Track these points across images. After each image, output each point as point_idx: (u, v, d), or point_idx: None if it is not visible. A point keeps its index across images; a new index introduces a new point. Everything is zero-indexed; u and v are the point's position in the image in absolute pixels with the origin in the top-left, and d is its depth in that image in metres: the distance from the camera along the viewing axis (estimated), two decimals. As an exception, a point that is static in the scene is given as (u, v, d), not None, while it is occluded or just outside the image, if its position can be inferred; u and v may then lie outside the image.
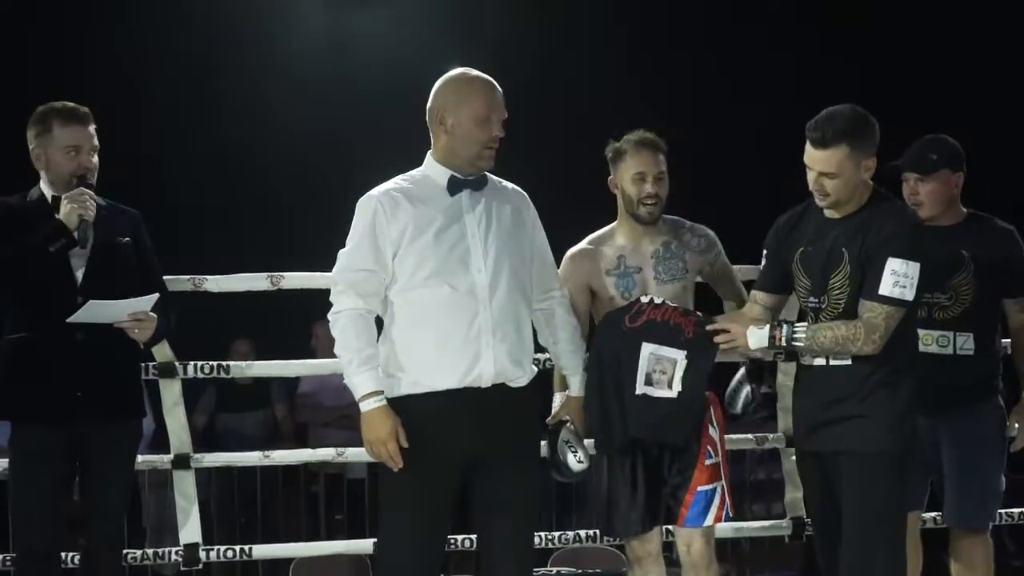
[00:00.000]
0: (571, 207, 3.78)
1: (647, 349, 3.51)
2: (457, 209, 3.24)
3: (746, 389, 3.62)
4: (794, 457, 4.36)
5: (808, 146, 3.31)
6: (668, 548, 4.16)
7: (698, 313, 3.57)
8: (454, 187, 3.25)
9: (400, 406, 3.19)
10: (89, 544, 3.64)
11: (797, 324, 3.35)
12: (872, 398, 3.31)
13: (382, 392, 3.17)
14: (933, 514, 4.17)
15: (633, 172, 3.60)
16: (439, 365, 3.18)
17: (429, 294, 3.18)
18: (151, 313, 3.54)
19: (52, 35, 7.35)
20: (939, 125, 4.00)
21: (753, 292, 3.60)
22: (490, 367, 3.19)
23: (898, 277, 3.23)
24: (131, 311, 3.50)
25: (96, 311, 3.45)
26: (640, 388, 3.52)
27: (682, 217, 3.77)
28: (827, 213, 3.36)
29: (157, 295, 3.57)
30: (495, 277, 3.21)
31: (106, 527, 3.61)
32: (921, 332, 3.58)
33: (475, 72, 3.28)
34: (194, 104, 7.55)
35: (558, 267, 3.56)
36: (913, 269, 3.23)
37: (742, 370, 3.65)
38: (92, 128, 3.59)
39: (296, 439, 6.39)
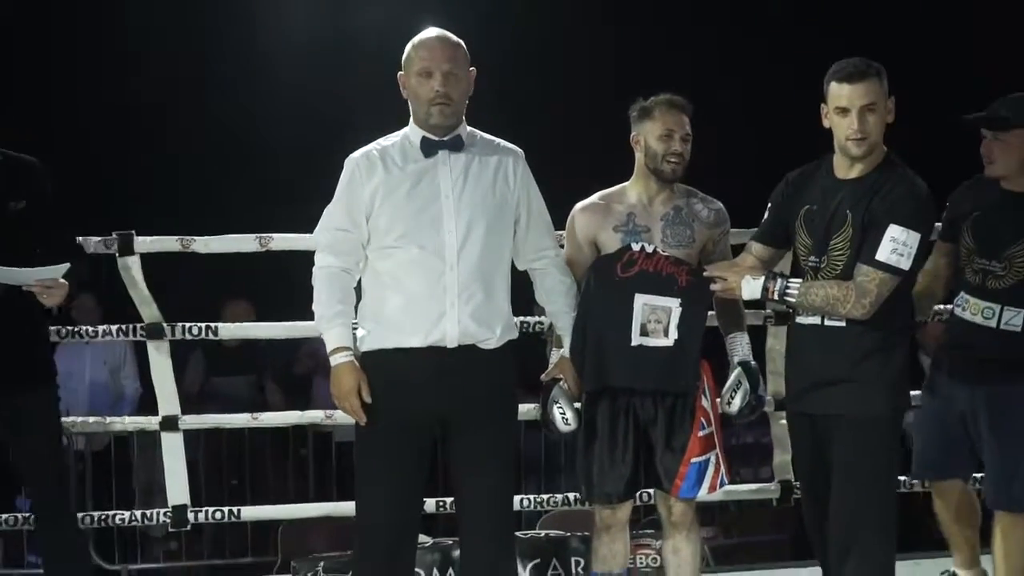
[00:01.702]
0: (566, 181, 3.74)
1: (640, 300, 3.49)
2: (432, 170, 3.25)
3: (743, 390, 3.59)
4: (783, 421, 4.37)
5: (841, 87, 3.28)
6: (650, 511, 4.19)
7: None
8: (428, 148, 3.26)
9: (369, 361, 3.24)
10: (32, 509, 3.61)
11: (791, 279, 3.36)
12: (865, 363, 3.30)
13: (349, 348, 3.22)
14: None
15: (662, 129, 3.56)
16: (404, 323, 3.21)
17: (399, 254, 3.21)
18: (62, 280, 3.43)
19: (45, 5, 7.31)
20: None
21: (750, 242, 3.58)
22: (454, 328, 3.20)
23: (897, 244, 3.20)
24: (39, 278, 3.39)
25: (1, 276, 3.36)
26: (636, 339, 3.49)
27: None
28: (838, 173, 3.35)
29: (67, 265, 3.43)
30: (467, 238, 3.21)
31: (42, 492, 3.55)
32: (970, 299, 3.57)
33: (425, 32, 3.27)
34: (193, 67, 7.52)
35: (557, 227, 3.54)
36: (913, 238, 3.21)
37: (739, 369, 3.61)
38: None
39: (300, 392, 6.39)
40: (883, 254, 3.21)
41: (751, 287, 3.38)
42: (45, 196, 3.53)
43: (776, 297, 3.35)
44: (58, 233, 3.56)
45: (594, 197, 3.69)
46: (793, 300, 3.34)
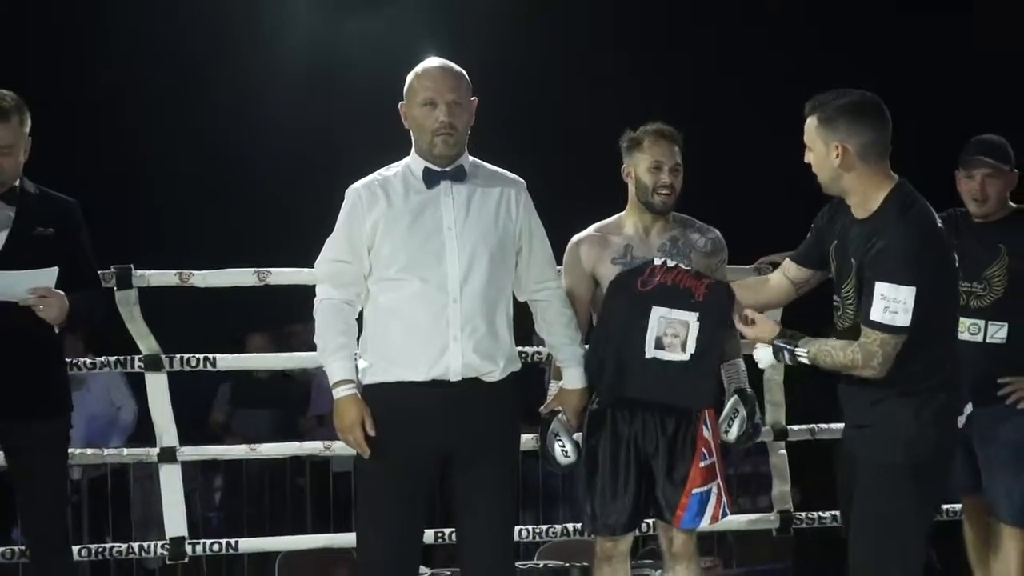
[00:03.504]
0: (567, 209, 3.75)
1: (657, 313, 3.46)
2: (435, 201, 3.24)
3: (740, 418, 3.58)
4: (782, 451, 4.38)
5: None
6: (648, 541, 4.18)
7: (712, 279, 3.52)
8: (430, 179, 3.25)
9: (371, 395, 3.22)
10: (26, 543, 3.57)
11: (798, 347, 3.19)
12: (879, 408, 3.13)
13: (352, 381, 3.21)
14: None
15: (650, 161, 3.58)
16: (407, 357, 3.19)
17: (401, 286, 3.20)
18: (56, 290, 3.40)
19: (44, 31, 7.32)
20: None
21: (786, 260, 3.48)
22: (457, 360, 3.19)
23: (887, 302, 3.01)
24: (31, 284, 3.36)
25: None
26: (650, 352, 3.46)
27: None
28: (855, 212, 3.17)
29: (56, 268, 3.41)
30: (469, 270, 3.20)
31: (40, 524, 3.50)
32: (962, 319, 3.65)
33: (428, 61, 3.27)
34: (185, 102, 7.53)
35: (558, 258, 3.53)
36: (904, 293, 3.00)
37: (735, 397, 3.61)
38: (10, 124, 3.40)
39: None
40: (876, 314, 3.03)
41: (764, 356, 3.26)
42: (76, 231, 3.55)
43: (789, 362, 3.23)
44: (86, 271, 3.56)
45: (591, 229, 3.69)
46: (806, 362, 3.19)
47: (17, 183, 3.49)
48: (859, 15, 7.86)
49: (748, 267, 4.11)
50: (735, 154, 7.68)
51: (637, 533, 3.82)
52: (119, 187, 7.50)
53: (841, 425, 4.38)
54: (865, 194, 3.12)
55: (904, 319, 3.01)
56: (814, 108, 3.13)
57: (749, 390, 3.64)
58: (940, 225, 3.18)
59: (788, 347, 3.21)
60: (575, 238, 3.67)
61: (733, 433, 3.59)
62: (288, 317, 6.10)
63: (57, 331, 3.50)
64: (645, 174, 3.59)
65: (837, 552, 5.86)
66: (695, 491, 3.54)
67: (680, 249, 3.62)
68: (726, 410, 3.61)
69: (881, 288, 3.01)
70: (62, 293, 3.42)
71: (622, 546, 3.63)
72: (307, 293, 3.34)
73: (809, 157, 3.16)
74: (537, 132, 7.49)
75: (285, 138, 7.68)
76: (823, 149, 3.11)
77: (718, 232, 3.71)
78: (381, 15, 7.74)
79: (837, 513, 4.40)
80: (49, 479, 3.51)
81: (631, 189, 3.64)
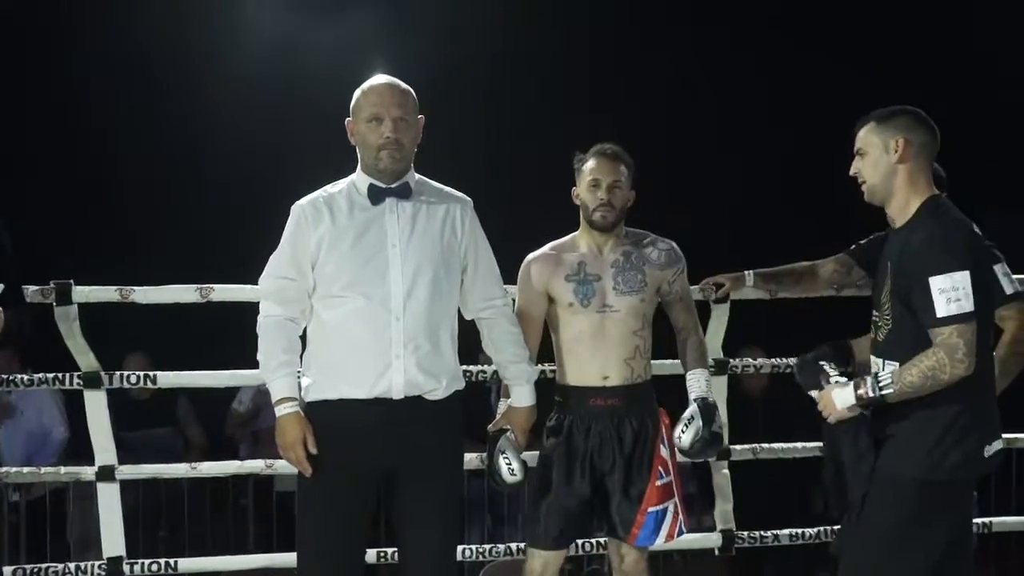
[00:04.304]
0: (531, 220, 3.76)
1: None
2: (379, 218, 3.24)
3: (695, 427, 3.59)
4: (725, 471, 4.39)
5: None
6: (592, 561, 4.17)
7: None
8: (375, 196, 3.25)
9: (314, 412, 3.21)
10: None
11: (880, 373, 3.11)
12: (904, 422, 3.09)
13: (295, 399, 3.20)
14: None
15: (590, 179, 3.63)
16: (349, 374, 3.19)
17: (344, 304, 3.19)
18: None
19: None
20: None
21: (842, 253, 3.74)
22: (400, 378, 3.18)
23: (947, 293, 2.99)
24: None
25: None
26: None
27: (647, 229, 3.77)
28: (891, 222, 3.22)
29: (1, 285, 3.40)
30: (412, 287, 3.20)
31: None
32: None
33: (375, 78, 3.28)
34: (138, 110, 7.46)
35: (504, 275, 3.53)
36: (960, 278, 2.99)
37: (694, 405, 3.63)
38: None
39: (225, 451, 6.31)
40: (941, 309, 3.00)
41: (842, 398, 3.15)
42: (2, 248, 3.49)
43: (872, 395, 3.09)
44: (8, 281, 3.51)
45: (545, 248, 3.72)
46: (892, 391, 3.07)
47: None
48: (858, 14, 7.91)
49: (694, 287, 4.13)
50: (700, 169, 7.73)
51: (581, 552, 3.82)
52: (63, 199, 7.42)
53: (784, 444, 4.49)
54: (907, 199, 3.16)
55: (969, 304, 3.00)
56: (869, 116, 3.21)
57: (711, 399, 3.65)
58: (978, 232, 3.18)
59: (868, 377, 3.12)
60: (529, 257, 3.70)
61: (686, 440, 3.59)
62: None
63: None
64: (585, 192, 3.64)
65: (773, 571, 5.92)
66: (650, 509, 3.57)
67: (633, 263, 3.65)
68: (683, 417, 3.63)
69: (936, 282, 3.01)
70: (0, 309, 3.37)
71: (553, 565, 3.64)
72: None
73: (857, 166, 3.21)
74: (499, 143, 7.49)
75: (234, 151, 7.62)
76: (879, 147, 3.17)
77: (673, 243, 3.74)
78: (339, 27, 7.71)
79: (779, 532, 4.45)
80: None
81: (580, 208, 3.68)
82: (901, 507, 3.08)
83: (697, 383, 3.66)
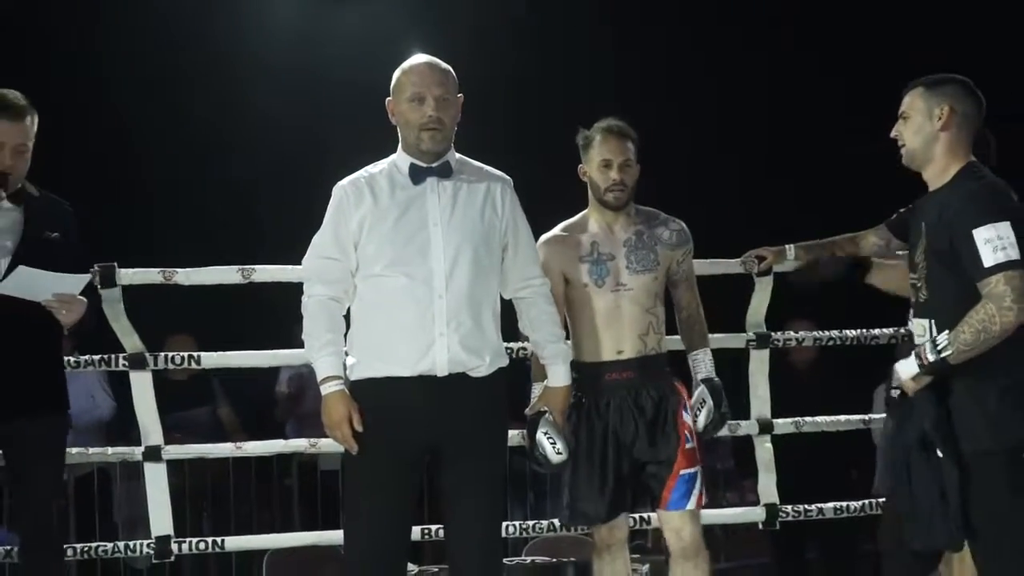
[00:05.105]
0: (551, 199, 3.75)
1: None
2: (421, 197, 3.24)
3: (708, 408, 3.62)
4: (767, 444, 4.38)
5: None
6: (635, 536, 4.17)
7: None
8: (416, 175, 3.25)
9: (359, 390, 3.23)
10: (20, 540, 3.54)
11: (937, 336, 3.08)
12: (958, 396, 3.07)
13: (340, 377, 3.21)
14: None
15: (599, 159, 3.62)
16: (393, 352, 3.20)
17: (387, 282, 3.20)
18: (80, 296, 3.42)
19: (20, 30, 7.29)
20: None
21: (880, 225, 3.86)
22: (443, 355, 3.19)
23: (993, 243, 3.00)
24: (60, 289, 3.36)
25: (24, 281, 3.32)
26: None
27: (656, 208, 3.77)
28: (930, 184, 3.22)
29: (88, 276, 3.47)
30: (455, 266, 3.20)
31: (33, 526, 3.45)
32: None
33: (415, 57, 3.28)
34: (168, 99, 7.51)
35: None
36: (1004, 228, 3.00)
37: (702, 387, 3.66)
38: (24, 123, 3.40)
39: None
40: (988, 259, 3.00)
41: (906, 368, 3.13)
42: (71, 234, 3.54)
43: (932, 358, 3.06)
44: (85, 271, 3.54)
45: (557, 229, 3.72)
46: (950, 351, 3.04)
47: (20, 184, 3.48)
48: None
49: (734, 260, 4.14)
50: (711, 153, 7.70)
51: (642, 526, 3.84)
52: (100, 185, 7.48)
53: (825, 418, 4.48)
54: (947, 165, 3.17)
55: (1015, 252, 3.01)
56: (918, 81, 3.21)
57: (716, 379, 3.67)
58: (1015, 196, 3.17)
59: (927, 341, 3.10)
60: (543, 238, 3.68)
61: (700, 422, 3.64)
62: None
63: (66, 333, 3.50)
64: (596, 172, 3.64)
65: (817, 544, 5.89)
66: (683, 472, 3.59)
67: (645, 243, 3.66)
68: (693, 400, 3.66)
69: (979, 233, 3.02)
70: (85, 300, 3.43)
71: (619, 533, 3.67)
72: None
73: (899, 129, 3.21)
74: (523, 127, 7.48)
75: (270, 136, 7.66)
76: (924, 112, 3.17)
77: (682, 224, 3.75)
78: (366, 10, 7.72)
79: (823, 505, 4.44)
80: (47, 480, 3.49)
81: (589, 188, 3.68)
82: (998, 484, 3.04)
83: (703, 363, 3.69)
